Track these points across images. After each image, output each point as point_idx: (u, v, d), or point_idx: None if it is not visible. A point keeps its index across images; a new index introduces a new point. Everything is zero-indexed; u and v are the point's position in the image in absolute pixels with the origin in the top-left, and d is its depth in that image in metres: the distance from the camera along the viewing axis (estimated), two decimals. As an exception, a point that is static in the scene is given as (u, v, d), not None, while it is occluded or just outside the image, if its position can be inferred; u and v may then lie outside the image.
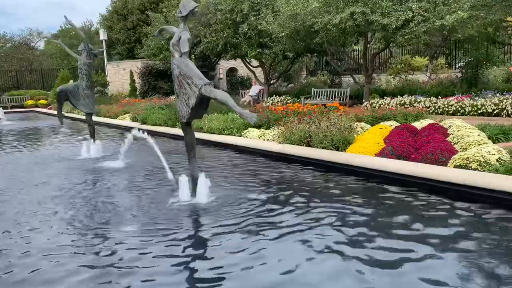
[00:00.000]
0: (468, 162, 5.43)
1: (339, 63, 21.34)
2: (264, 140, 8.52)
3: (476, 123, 9.56)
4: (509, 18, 12.20)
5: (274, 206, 4.94)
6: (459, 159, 5.55)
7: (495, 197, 4.62)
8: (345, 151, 6.94)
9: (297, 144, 7.67)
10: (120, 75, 28.08)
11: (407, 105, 13.57)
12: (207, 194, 5.20)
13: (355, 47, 23.52)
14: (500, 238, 3.82)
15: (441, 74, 18.51)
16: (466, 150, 6.22)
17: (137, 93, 26.75)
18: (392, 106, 13.89)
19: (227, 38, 18.95)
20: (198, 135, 9.79)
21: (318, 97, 17.49)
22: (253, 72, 22.05)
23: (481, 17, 10.88)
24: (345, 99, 16.47)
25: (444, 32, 12.41)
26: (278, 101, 18.34)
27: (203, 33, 19.63)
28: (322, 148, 7.18)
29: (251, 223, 4.41)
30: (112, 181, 6.66)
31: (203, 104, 5.19)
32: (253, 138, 8.74)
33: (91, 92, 8.78)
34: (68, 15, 9.19)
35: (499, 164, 5.38)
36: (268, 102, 18.70)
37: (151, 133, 11.46)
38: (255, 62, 21.33)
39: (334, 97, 16.78)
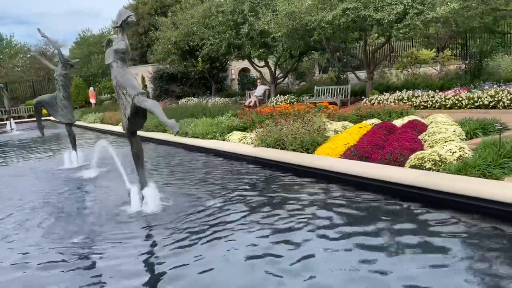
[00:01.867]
0: (423, 161, 5.31)
1: (345, 60, 21.04)
2: (244, 143, 8.53)
3: (471, 116, 9.30)
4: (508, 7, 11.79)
5: (225, 214, 4.92)
6: (415, 158, 5.43)
7: (443, 198, 4.51)
8: (314, 153, 6.89)
9: (272, 147, 7.65)
10: (133, 80, 28.50)
11: (405, 100, 13.32)
12: (156, 203, 5.23)
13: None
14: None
15: (450, 66, 18.05)
16: (432, 147, 6.09)
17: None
18: (390, 102, 13.69)
19: (230, 39, 19.04)
20: (182, 140, 9.96)
21: (323, 95, 17.35)
22: (260, 72, 22.05)
23: (473, 8, 10.55)
24: (347, 96, 16.29)
25: (439, 24, 12.08)
26: (282, 101, 18.28)
27: (207, 35, 19.77)
28: (293, 150, 7.15)
29: (193, 232, 4.41)
30: (76, 191, 6.80)
31: (140, 114, 5.18)
32: (233, 142, 8.77)
33: (68, 103, 8.91)
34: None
35: (457, 163, 5.24)
36: (273, 102, 18.67)
37: (143, 139, 11.70)
38: (262, 62, 21.32)
39: (337, 95, 16.61)
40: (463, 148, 5.63)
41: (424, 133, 6.96)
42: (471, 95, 11.56)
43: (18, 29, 79.62)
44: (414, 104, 13.03)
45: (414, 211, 4.49)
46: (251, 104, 19.73)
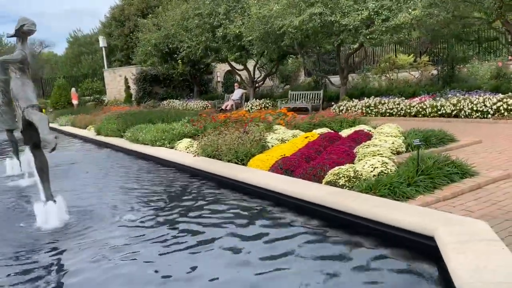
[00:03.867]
0: (338, 177, 5.13)
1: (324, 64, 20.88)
2: (189, 152, 8.34)
3: (433, 125, 9.14)
4: (478, 15, 11.64)
5: (134, 230, 4.70)
6: (331, 174, 5.24)
7: (341, 217, 4.33)
8: (247, 165, 6.71)
9: (212, 157, 7.47)
10: (117, 81, 28.39)
11: (372, 107, 13.19)
12: (60, 218, 5.00)
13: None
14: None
15: (430, 71, 17.86)
16: (361, 161, 5.91)
17: (133, 99, 26.99)
18: (358, 108, 13.54)
19: (206, 42, 18.87)
20: (132, 146, 9.77)
21: (298, 100, 17.18)
22: (239, 75, 21.88)
23: (435, 15, 10.40)
24: (319, 102, 16.13)
25: (404, 30, 11.93)
26: (257, 105, 18.13)
27: (185, 38, 19.60)
28: (228, 161, 6.97)
29: (91, 253, 4.14)
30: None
31: (33, 127, 4.88)
32: (180, 150, 8.58)
33: (9, 108, 8.60)
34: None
35: (374, 179, 5.07)
36: (248, 106, 18.52)
37: (101, 144, 11.52)
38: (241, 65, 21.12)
39: (309, 100, 16.45)
40: (386, 163, 5.46)
41: (359, 145, 6.78)
42: (435, 103, 11.41)
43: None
44: (381, 111, 12.90)
45: (315, 230, 4.31)
46: (228, 108, 19.57)
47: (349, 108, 13.68)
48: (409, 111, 12.06)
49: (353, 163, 5.91)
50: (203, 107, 22.17)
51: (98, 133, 12.17)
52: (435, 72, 15.57)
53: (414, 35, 17.12)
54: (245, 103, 19.44)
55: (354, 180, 5.05)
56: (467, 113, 10.64)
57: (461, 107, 10.75)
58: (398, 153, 6.85)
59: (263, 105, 18.00)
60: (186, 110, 21.49)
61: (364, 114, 13.16)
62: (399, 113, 12.34)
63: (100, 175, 7.92)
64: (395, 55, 19.13)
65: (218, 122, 9.70)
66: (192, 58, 21.01)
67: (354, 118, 9.15)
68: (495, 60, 17.08)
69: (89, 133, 12.93)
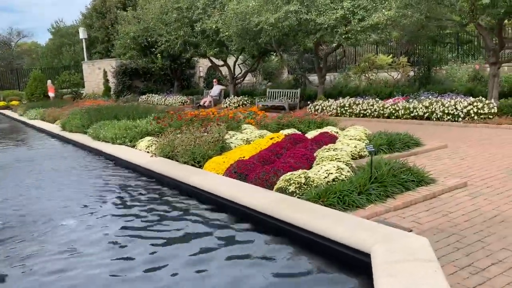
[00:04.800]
0: (288, 184, 4.90)
1: (303, 62, 20.67)
2: (149, 151, 8.03)
3: (404, 127, 9.03)
4: (455, 17, 11.48)
5: (64, 239, 4.40)
6: (282, 180, 5.01)
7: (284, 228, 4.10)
8: (203, 168, 6.45)
9: (170, 158, 7.18)
10: (96, 74, 27.84)
11: (347, 107, 13.01)
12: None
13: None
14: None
15: (407, 72, 17.75)
16: (318, 165, 5.69)
17: (112, 92, 26.48)
18: (333, 108, 13.36)
19: (185, 36, 18.51)
20: (92, 144, 9.42)
21: (276, 98, 16.97)
22: (220, 71, 21.59)
23: (409, 16, 10.22)
24: (296, 100, 15.93)
25: (379, 31, 11.76)
26: (235, 102, 17.86)
27: (163, 31, 19.21)
28: (184, 163, 6.70)
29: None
30: None
31: None
32: (141, 149, 8.26)
33: None
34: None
35: (327, 185, 4.86)
36: (226, 103, 18.25)
37: (64, 140, 11.13)
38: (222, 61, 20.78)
39: (287, 98, 16.24)
40: (342, 169, 5.24)
41: (320, 149, 6.56)
42: (408, 105, 11.27)
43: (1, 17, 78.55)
44: (355, 112, 12.74)
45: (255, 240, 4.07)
46: (206, 104, 19.29)
47: (324, 108, 13.50)
48: (382, 112, 11.91)
49: (311, 168, 5.70)
50: (181, 102, 21.84)
51: (63, 129, 11.77)
52: (411, 73, 15.45)
53: (394, 35, 17.01)
54: (224, 100, 19.15)
55: (305, 187, 4.82)
56: (438, 116, 10.52)
57: (433, 109, 10.63)
58: (361, 157, 6.67)
59: (241, 102, 17.74)
60: (164, 105, 21.16)
61: (339, 114, 13.02)
62: (372, 114, 12.19)
63: (49, 175, 7.47)
64: (376, 55, 18.95)
65: (183, 120, 9.39)
66: (171, 53, 20.64)
67: (322, 119, 8.93)
68: (473, 62, 17.09)
69: (55, 128, 12.51)
